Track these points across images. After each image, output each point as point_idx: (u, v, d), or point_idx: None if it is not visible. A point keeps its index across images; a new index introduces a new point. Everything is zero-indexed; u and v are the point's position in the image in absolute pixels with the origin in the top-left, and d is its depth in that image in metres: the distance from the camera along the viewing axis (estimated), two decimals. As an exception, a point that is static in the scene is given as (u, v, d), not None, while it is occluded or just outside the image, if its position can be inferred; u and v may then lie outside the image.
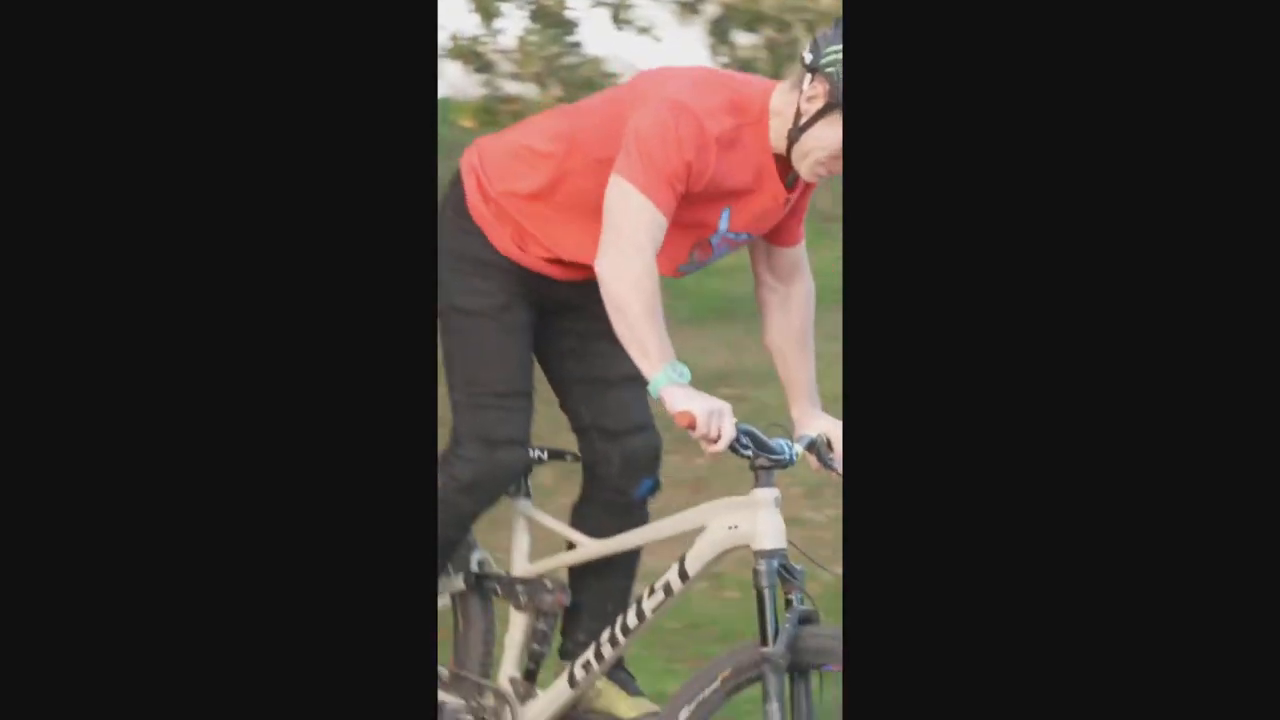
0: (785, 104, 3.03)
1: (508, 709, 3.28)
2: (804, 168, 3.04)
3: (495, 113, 6.91)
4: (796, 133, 3.00)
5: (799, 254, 3.27)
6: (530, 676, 3.32)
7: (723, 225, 3.08)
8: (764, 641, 2.96)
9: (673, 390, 2.90)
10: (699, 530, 3.11)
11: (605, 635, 3.18)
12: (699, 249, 3.10)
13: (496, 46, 7.09)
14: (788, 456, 3.05)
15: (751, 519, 3.01)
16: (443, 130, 5.15)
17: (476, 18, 7.06)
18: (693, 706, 3.07)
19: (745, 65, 7.28)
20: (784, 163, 3.07)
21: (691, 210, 3.02)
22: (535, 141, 3.15)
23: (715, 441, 2.89)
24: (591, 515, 3.31)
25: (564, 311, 3.22)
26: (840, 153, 2.94)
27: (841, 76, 2.92)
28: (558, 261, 3.15)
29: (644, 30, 7.54)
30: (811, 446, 3.14)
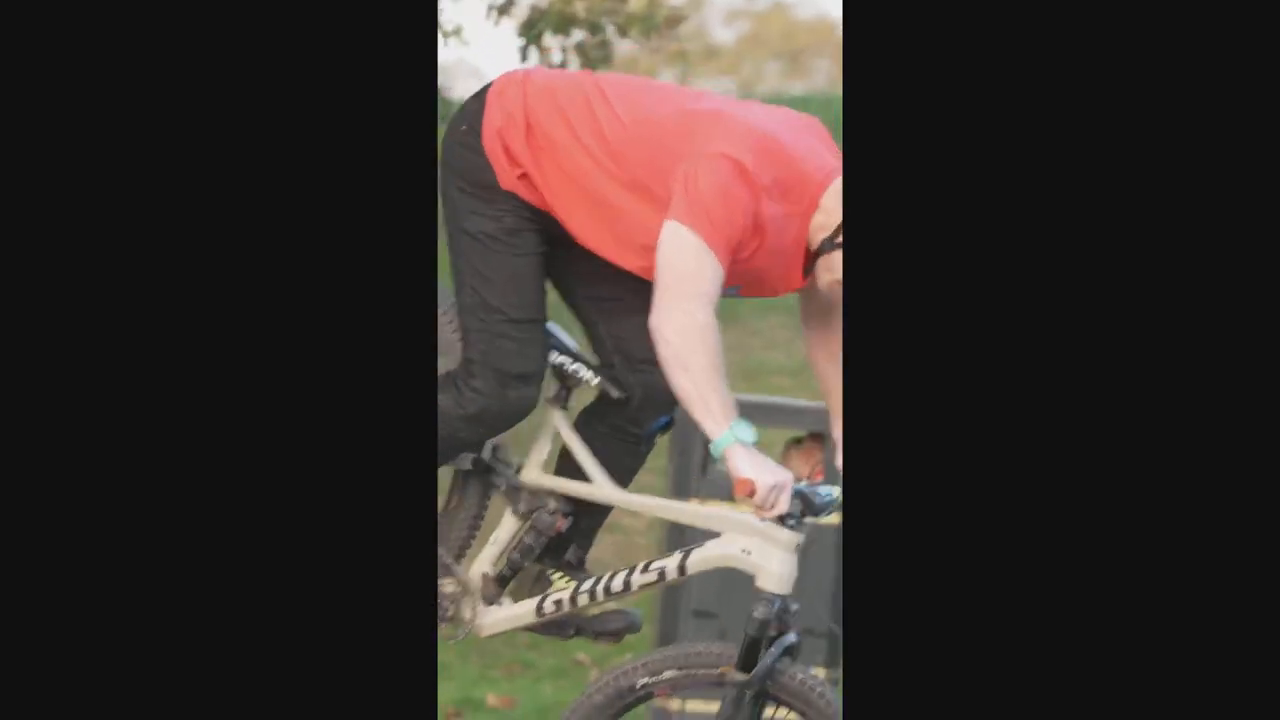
0: (835, 206, 2.97)
1: (468, 602, 3.23)
2: (823, 280, 3.02)
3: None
4: (831, 246, 2.97)
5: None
6: (502, 581, 3.23)
7: (728, 291, 3.06)
8: (742, 669, 2.94)
9: (738, 453, 2.87)
10: (710, 531, 3.08)
11: (585, 585, 3.12)
12: None
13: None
14: (830, 509, 3.04)
15: (767, 555, 2.98)
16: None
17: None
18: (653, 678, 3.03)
19: (558, 67, 7.44)
20: (810, 256, 3.03)
21: None
22: (581, 127, 3.05)
23: (768, 510, 2.89)
24: (597, 436, 3.20)
25: (576, 243, 3.15)
26: None
27: None
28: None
29: (452, 34, 7.63)
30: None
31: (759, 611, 2.92)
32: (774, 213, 2.95)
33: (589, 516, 3.24)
